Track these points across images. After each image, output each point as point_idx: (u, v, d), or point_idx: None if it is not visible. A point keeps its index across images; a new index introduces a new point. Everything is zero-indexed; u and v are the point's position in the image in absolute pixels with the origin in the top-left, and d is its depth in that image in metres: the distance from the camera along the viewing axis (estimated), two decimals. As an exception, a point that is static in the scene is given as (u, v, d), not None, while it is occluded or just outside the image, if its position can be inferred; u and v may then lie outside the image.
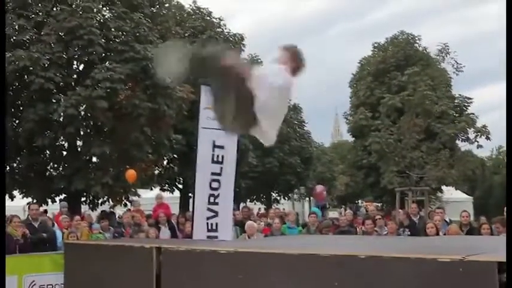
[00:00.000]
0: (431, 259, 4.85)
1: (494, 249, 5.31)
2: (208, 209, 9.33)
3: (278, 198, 39.58)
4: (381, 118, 31.45)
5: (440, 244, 7.13)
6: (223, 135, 8.99)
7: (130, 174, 16.68)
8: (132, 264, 7.22)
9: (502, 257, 4.38)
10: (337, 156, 56.11)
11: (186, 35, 28.20)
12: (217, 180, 9.30)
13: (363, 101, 33.95)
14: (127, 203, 19.16)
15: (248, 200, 35.23)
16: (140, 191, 22.32)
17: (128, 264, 7.30)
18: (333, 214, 28.06)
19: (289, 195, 42.16)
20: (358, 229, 12.64)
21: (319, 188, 22.88)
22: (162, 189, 25.88)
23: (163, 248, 7.01)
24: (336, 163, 53.29)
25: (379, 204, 36.61)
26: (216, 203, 9.27)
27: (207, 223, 9.34)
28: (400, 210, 15.76)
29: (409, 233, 11.23)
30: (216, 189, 9.27)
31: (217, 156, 9.30)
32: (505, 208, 11.45)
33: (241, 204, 24.78)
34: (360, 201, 53.95)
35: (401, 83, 31.75)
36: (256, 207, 30.22)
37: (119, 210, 19.00)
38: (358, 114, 33.12)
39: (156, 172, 24.08)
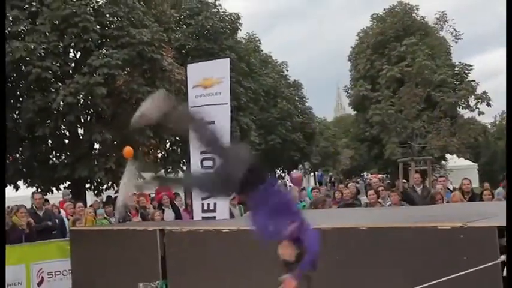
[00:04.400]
0: (432, 227, 4.88)
1: (494, 214, 5.33)
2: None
3: (283, 174, 39.74)
4: (381, 90, 31.37)
5: (442, 212, 7.15)
6: (211, 111, 8.66)
7: (127, 150, 16.67)
8: (137, 248, 7.28)
9: (501, 222, 4.39)
10: (340, 130, 56.14)
11: (182, 17, 28.04)
12: (209, 158, 8.46)
13: (363, 73, 33.86)
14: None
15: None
16: (145, 175, 22.29)
17: (133, 248, 7.37)
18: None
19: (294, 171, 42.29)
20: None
21: (295, 173, 22.91)
22: (167, 172, 25.93)
23: (166, 230, 7.06)
24: (339, 137, 53.33)
25: (384, 176, 36.76)
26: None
27: (202, 203, 9.24)
28: (403, 181, 15.76)
29: (413, 202, 11.20)
30: (209, 167, 8.79)
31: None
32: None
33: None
34: (365, 173, 54.13)
35: (401, 54, 31.58)
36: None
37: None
38: (358, 87, 33.05)
39: (160, 155, 24.10)
